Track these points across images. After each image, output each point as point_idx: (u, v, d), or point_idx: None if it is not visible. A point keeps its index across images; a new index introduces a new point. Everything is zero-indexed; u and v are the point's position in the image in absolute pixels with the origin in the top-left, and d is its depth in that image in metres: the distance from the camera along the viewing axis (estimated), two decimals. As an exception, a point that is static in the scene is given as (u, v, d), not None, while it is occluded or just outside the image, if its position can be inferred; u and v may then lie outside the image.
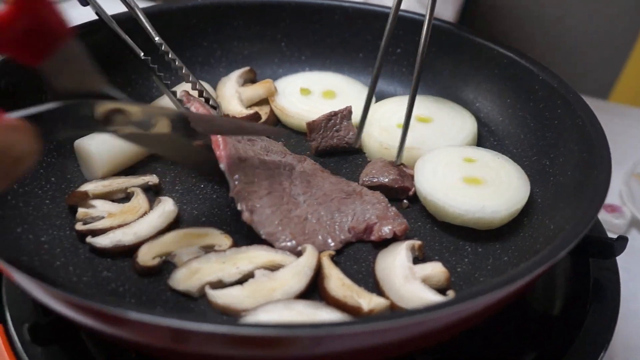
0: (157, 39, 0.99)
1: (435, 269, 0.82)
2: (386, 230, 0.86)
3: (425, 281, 0.81)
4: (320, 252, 0.83)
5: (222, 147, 0.88)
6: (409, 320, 0.64)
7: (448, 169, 0.93)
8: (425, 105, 1.07)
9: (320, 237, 0.86)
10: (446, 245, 0.89)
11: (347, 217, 0.88)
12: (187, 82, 1.00)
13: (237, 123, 0.94)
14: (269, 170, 0.91)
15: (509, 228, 0.90)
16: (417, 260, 0.86)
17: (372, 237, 0.87)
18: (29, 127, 0.63)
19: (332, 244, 0.86)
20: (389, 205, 0.89)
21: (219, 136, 0.88)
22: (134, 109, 0.77)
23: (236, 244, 0.86)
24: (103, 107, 0.75)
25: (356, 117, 1.07)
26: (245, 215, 0.85)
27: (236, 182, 0.86)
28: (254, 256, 0.83)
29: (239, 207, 0.85)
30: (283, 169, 0.93)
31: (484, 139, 1.06)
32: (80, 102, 0.73)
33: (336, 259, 0.86)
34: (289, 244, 0.84)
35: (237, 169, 0.88)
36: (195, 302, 0.80)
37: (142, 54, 0.96)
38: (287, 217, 0.87)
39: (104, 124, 0.76)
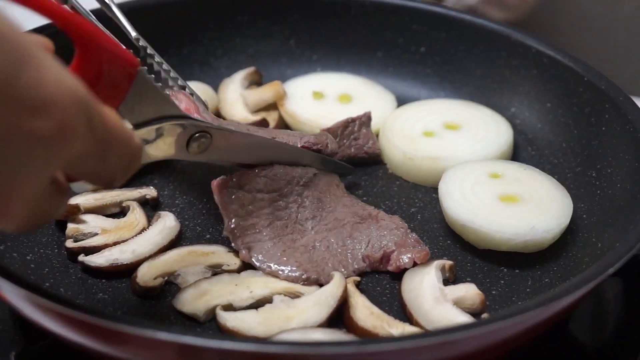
0: (133, 34, 1.02)
1: (470, 291, 0.86)
2: (405, 259, 0.89)
3: (458, 304, 0.85)
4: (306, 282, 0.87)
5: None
6: (437, 340, 0.68)
7: (477, 188, 0.97)
8: (453, 110, 1.11)
9: (330, 265, 0.89)
10: (479, 266, 0.92)
11: (360, 245, 0.91)
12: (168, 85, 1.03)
13: (300, 152, 0.97)
14: (274, 191, 0.94)
15: (550, 247, 0.93)
16: (447, 282, 0.89)
17: (390, 267, 0.90)
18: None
19: (345, 273, 0.88)
20: (409, 231, 0.92)
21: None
22: (216, 134, 0.86)
23: (245, 263, 0.89)
24: (186, 130, 0.83)
25: (376, 123, 1.12)
26: (242, 254, 0.89)
27: (232, 220, 0.90)
28: (272, 280, 0.86)
29: (233, 246, 0.90)
30: (294, 185, 0.96)
31: (521, 148, 1.10)
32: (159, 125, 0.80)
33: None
34: (294, 274, 0.87)
35: (233, 199, 0.91)
36: (201, 327, 0.83)
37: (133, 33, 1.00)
38: (292, 247, 0.91)
39: (186, 149, 0.84)
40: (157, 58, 1.01)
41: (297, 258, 0.89)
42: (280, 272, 0.88)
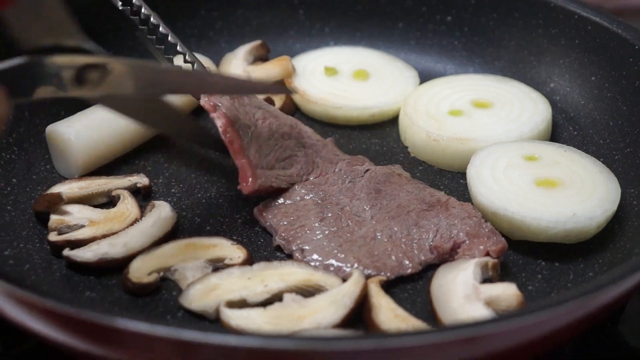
0: None
1: (507, 291, 0.86)
2: (478, 250, 0.91)
3: (491, 304, 0.85)
4: (367, 278, 0.88)
5: (250, 182, 0.94)
6: (458, 335, 0.70)
7: (511, 172, 0.98)
8: (484, 86, 1.12)
9: (393, 257, 0.91)
10: (513, 259, 0.93)
11: (428, 234, 0.93)
12: (173, 54, 1.05)
13: (234, 80, 0.97)
14: (317, 191, 0.97)
15: (594, 237, 0.94)
16: (488, 282, 0.89)
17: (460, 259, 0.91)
18: None
19: (410, 266, 0.90)
20: (483, 220, 0.93)
21: (246, 169, 0.94)
22: (116, 65, 0.81)
23: (252, 256, 0.91)
24: (76, 62, 0.80)
25: (397, 102, 1.14)
26: (297, 257, 0.91)
27: (280, 232, 0.93)
28: (288, 273, 0.88)
29: (287, 252, 0.93)
30: (341, 182, 0.98)
31: (561, 128, 1.11)
32: (49, 56, 0.78)
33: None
34: (353, 271, 0.88)
35: (276, 214, 0.95)
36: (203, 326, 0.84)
37: (120, 3, 1.01)
38: (349, 240, 0.92)
39: (77, 84, 0.80)
40: (154, 19, 1.03)
41: (355, 253, 0.91)
42: (338, 272, 0.89)
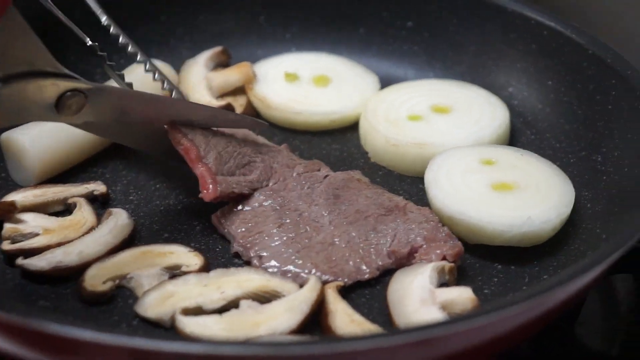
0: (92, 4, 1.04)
1: (462, 295, 0.87)
2: (435, 254, 0.91)
3: (446, 308, 0.86)
4: (324, 283, 0.88)
5: (211, 189, 0.94)
6: (410, 337, 0.70)
7: (468, 176, 0.99)
8: (443, 91, 1.13)
9: (351, 262, 0.91)
10: (470, 263, 0.94)
11: (386, 239, 0.93)
12: (134, 61, 1.05)
13: (208, 111, 1.00)
14: (276, 197, 0.97)
15: (549, 240, 0.95)
16: (445, 286, 0.90)
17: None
18: None
19: (367, 271, 0.91)
20: (440, 224, 0.94)
21: (206, 176, 0.94)
22: (94, 92, 0.84)
23: (209, 263, 0.91)
24: (57, 88, 0.81)
25: (357, 107, 1.14)
26: (255, 264, 0.91)
27: (238, 238, 0.93)
28: (245, 280, 0.88)
29: (244, 259, 0.93)
30: (300, 188, 0.98)
31: (519, 132, 1.12)
32: (29, 82, 0.80)
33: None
34: (310, 277, 0.89)
35: (234, 220, 0.95)
36: (168, 333, 0.84)
37: (88, 39, 1.02)
38: (307, 246, 0.93)
39: (56, 110, 0.82)
40: (113, 30, 1.03)
41: (313, 259, 0.91)
42: (295, 278, 0.89)
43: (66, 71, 0.85)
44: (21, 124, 0.96)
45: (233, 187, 0.96)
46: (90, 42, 0.99)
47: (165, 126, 0.96)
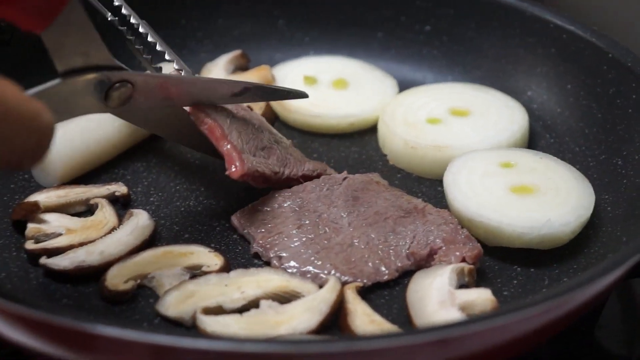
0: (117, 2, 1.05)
1: (481, 296, 0.87)
2: (454, 256, 0.92)
3: (466, 309, 0.86)
4: (343, 284, 0.89)
5: (238, 166, 0.94)
6: (428, 337, 0.71)
7: (487, 179, 0.99)
8: (461, 95, 1.13)
9: (370, 264, 0.92)
10: (489, 265, 0.94)
11: (405, 240, 0.94)
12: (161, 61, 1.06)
13: (250, 86, 1.00)
14: (295, 198, 0.98)
15: (569, 243, 0.95)
16: (464, 288, 0.90)
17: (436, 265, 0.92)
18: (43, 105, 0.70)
19: (386, 272, 0.91)
20: (459, 226, 0.95)
21: (233, 152, 0.95)
22: (140, 80, 0.87)
23: (229, 264, 0.92)
24: (107, 80, 0.84)
25: (375, 110, 1.14)
26: (275, 264, 0.92)
27: (257, 239, 0.94)
28: (265, 280, 0.88)
29: (264, 260, 0.93)
30: (319, 190, 0.99)
31: (538, 136, 1.12)
32: (83, 76, 0.82)
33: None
34: (329, 278, 0.89)
35: (253, 222, 0.96)
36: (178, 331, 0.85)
37: (109, 14, 1.02)
38: (327, 247, 0.93)
39: (105, 102, 0.85)
40: (143, 29, 1.04)
41: (332, 260, 0.92)
42: (314, 279, 0.90)
43: (118, 63, 0.87)
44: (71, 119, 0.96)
45: (257, 166, 0.97)
46: (110, 17, 1.00)
47: (188, 109, 0.97)
